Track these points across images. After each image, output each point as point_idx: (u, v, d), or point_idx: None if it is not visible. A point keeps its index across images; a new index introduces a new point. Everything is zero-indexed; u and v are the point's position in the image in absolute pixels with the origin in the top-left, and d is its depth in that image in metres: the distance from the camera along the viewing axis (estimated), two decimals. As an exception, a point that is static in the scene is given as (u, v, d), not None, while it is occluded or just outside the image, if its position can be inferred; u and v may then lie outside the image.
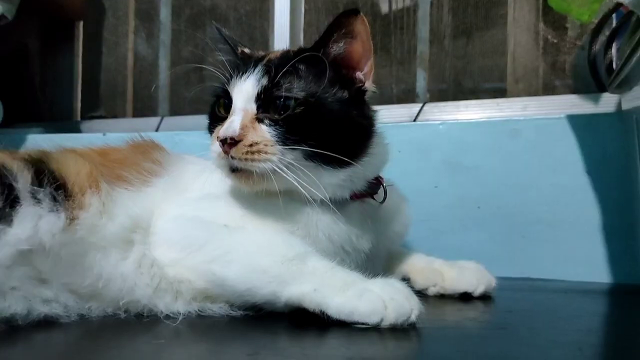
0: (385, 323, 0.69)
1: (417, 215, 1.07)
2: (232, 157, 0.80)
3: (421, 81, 1.65)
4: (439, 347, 0.67)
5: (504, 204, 1.32)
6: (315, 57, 0.85)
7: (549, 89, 1.52)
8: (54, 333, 0.72)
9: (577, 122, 1.29)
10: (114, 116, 1.96)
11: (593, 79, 1.43)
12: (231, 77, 0.87)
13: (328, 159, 0.83)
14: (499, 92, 1.55)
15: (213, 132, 0.88)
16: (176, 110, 1.88)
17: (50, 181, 0.78)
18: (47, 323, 0.74)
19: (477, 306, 0.93)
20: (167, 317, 0.80)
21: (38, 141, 1.64)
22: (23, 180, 0.75)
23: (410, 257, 1.06)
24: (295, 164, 0.81)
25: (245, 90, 0.84)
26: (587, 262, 1.25)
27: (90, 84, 2.00)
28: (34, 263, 0.74)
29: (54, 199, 0.76)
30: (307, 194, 0.83)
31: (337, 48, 0.86)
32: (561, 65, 1.51)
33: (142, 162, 0.92)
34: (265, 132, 0.81)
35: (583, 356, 0.62)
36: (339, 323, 0.71)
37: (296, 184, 0.81)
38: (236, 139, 0.80)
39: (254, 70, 0.85)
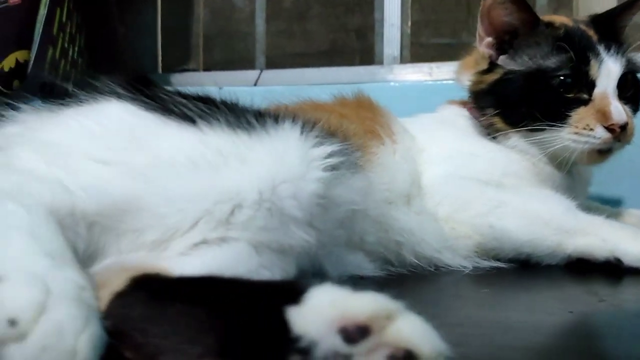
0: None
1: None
2: (619, 140, 0.84)
3: None
4: None
5: None
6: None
7: None
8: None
9: None
10: (207, 69, 1.90)
11: None
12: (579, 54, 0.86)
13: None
14: None
15: (544, 113, 0.88)
16: (274, 63, 1.83)
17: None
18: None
19: None
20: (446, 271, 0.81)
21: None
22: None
23: (624, 211, 1.09)
24: None
25: (613, 72, 0.86)
26: None
27: (180, 36, 1.92)
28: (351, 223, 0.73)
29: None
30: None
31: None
32: None
33: (376, 118, 0.91)
34: (628, 112, 0.86)
35: None
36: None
37: None
38: (627, 122, 0.84)
39: (608, 49, 0.86)
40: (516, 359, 0.47)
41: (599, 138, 0.84)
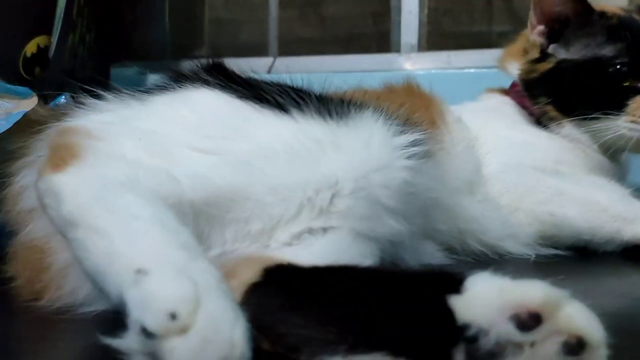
0: None
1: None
2: None
3: None
4: None
5: None
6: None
7: None
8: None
9: None
10: (218, 56, 1.86)
11: None
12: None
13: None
14: None
15: (600, 102, 0.89)
16: (287, 50, 1.81)
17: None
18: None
19: None
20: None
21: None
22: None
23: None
24: None
25: None
26: None
27: (190, 22, 1.89)
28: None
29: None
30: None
31: None
32: None
33: (430, 107, 0.91)
34: None
35: None
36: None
37: None
38: None
39: None
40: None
41: None
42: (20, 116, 0.67)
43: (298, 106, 0.60)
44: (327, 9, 1.82)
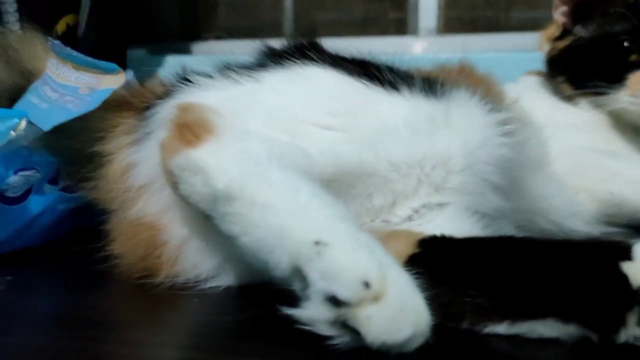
0: None
1: None
2: None
3: None
4: None
5: None
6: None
7: None
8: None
9: None
10: (231, 37, 1.85)
11: None
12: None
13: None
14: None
15: (603, 77, 0.91)
16: (303, 33, 1.81)
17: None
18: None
19: None
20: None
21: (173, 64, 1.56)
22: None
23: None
24: None
25: None
26: None
27: (199, 2, 1.86)
28: None
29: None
30: None
31: None
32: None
33: (491, 88, 0.93)
34: None
35: None
36: None
37: None
38: None
39: None
40: None
41: None
42: (109, 94, 0.66)
43: (406, 84, 0.61)
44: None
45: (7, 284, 0.59)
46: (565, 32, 0.98)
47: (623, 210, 0.86)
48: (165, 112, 0.58)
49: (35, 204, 0.68)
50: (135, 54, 1.74)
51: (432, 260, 0.46)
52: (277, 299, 0.41)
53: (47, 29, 1.18)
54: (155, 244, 0.58)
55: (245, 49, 1.62)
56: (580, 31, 0.96)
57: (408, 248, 0.47)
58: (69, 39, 1.24)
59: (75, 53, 0.71)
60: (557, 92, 0.97)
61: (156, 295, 0.56)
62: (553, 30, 1.02)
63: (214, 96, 0.58)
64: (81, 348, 0.46)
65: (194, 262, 0.57)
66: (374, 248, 0.41)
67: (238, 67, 0.63)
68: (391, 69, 0.64)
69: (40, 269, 0.67)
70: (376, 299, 0.38)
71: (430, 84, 0.64)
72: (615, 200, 0.85)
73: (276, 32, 1.83)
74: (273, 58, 0.66)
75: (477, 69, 0.97)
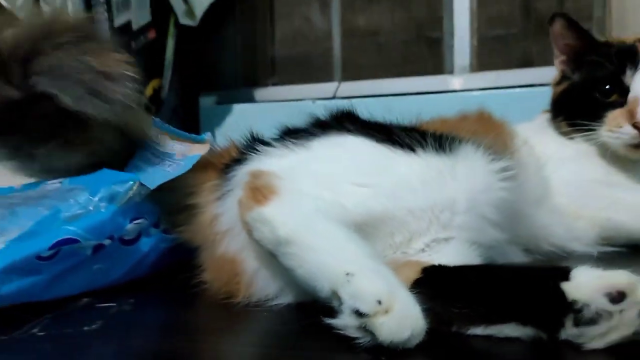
0: None
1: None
2: None
3: None
4: None
5: None
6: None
7: None
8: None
9: None
10: (289, 83, 2.09)
11: None
12: (617, 66, 1.05)
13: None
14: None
15: (588, 116, 1.08)
16: (350, 76, 2.02)
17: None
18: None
19: None
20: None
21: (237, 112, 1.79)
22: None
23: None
24: None
25: None
26: None
27: (261, 52, 2.12)
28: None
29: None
30: None
31: None
32: None
33: (503, 133, 1.10)
34: None
35: None
36: None
37: None
38: None
39: None
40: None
41: (627, 134, 1.03)
42: (198, 159, 0.89)
43: (420, 145, 0.80)
44: (384, 36, 2.03)
45: (130, 304, 0.81)
46: (563, 78, 1.15)
47: (620, 233, 1.01)
48: (241, 175, 0.80)
49: (145, 244, 0.90)
50: (206, 101, 2.00)
51: (430, 282, 0.65)
52: (322, 313, 0.61)
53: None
54: (235, 273, 0.79)
55: (297, 93, 1.88)
56: (574, 77, 1.13)
57: (414, 274, 0.66)
58: (155, 100, 1.49)
59: (171, 127, 0.94)
60: (559, 130, 1.14)
61: (236, 311, 0.76)
62: (556, 76, 1.19)
63: (276, 163, 0.79)
64: (184, 347, 0.67)
65: (263, 286, 0.77)
66: (387, 276, 0.61)
67: (293, 136, 0.83)
68: (409, 132, 0.83)
69: (150, 294, 0.88)
70: (386, 311, 0.57)
71: (440, 142, 0.82)
72: (612, 225, 1.01)
73: (327, 77, 2.05)
74: (319, 127, 0.86)
75: (493, 115, 1.15)
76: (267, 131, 0.91)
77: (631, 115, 1.03)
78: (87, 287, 0.83)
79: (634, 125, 1.02)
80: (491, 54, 1.88)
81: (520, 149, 1.08)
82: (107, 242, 0.83)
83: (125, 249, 0.87)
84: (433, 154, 0.79)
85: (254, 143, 0.86)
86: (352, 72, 2.04)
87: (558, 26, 1.14)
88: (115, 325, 0.73)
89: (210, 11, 1.77)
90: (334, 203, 0.72)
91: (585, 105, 1.10)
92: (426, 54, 1.96)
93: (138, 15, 1.39)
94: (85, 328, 0.69)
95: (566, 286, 0.58)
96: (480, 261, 0.79)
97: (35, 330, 0.68)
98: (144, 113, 0.98)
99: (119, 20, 1.30)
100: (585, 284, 0.57)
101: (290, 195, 0.72)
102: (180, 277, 0.84)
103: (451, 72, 1.89)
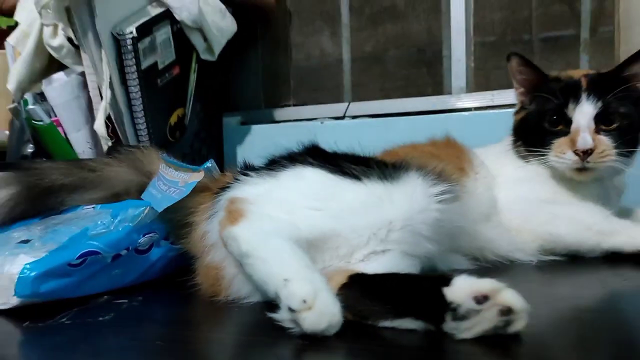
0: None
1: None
2: (587, 162, 1.16)
3: None
4: None
5: None
6: (623, 79, 1.19)
7: None
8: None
9: None
10: (304, 104, 2.31)
11: None
12: (562, 99, 1.21)
13: (632, 154, 1.20)
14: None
15: (540, 142, 1.24)
16: (358, 97, 2.23)
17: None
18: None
19: None
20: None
21: (261, 132, 2.01)
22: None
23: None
24: (618, 159, 1.18)
25: (586, 112, 1.18)
26: None
27: (279, 76, 2.35)
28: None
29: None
30: (615, 178, 1.21)
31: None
32: None
33: (462, 157, 1.27)
34: (605, 141, 1.17)
35: None
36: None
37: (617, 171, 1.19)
38: (592, 148, 1.15)
39: (589, 95, 1.19)
40: (564, 311, 0.83)
41: (570, 160, 1.18)
42: (194, 185, 1.10)
43: (365, 174, 0.97)
44: (389, 62, 2.21)
45: (139, 301, 1.03)
46: (521, 108, 1.32)
47: (558, 245, 1.17)
48: (224, 201, 1.00)
49: (155, 254, 1.12)
50: (229, 121, 2.23)
51: (353, 286, 0.84)
52: (270, 308, 0.81)
53: (165, 121, 1.68)
54: (218, 278, 0.97)
55: (312, 113, 2.10)
56: (530, 107, 1.29)
57: (343, 280, 0.85)
58: (180, 126, 1.73)
59: (175, 160, 1.16)
60: (518, 153, 1.31)
61: (220, 306, 0.96)
62: (517, 106, 1.36)
63: (249, 191, 0.99)
64: (181, 334, 0.85)
65: (239, 288, 0.95)
66: (315, 281, 0.79)
67: (269, 167, 1.04)
68: (359, 164, 1.01)
69: (155, 292, 1.06)
70: (309, 308, 0.74)
71: (384, 172, 1.00)
72: (552, 238, 1.17)
73: (338, 98, 2.25)
74: (288, 160, 1.05)
75: (458, 142, 1.33)
76: (287, 146, 1.10)
77: (573, 143, 1.18)
78: (107, 287, 1.04)
79: (575, 152, 1.17)
80: (487, 75, 2.02)
81: (478, 170, 1.25)
82: (124, 252, 1.05)
83: (139, 257, 1.09)
84: (376, 182, 0.97)
85: (243, 171, 1.06)
86: (361, 94, 2.23)
87: (514, 63, 1.30)
88: (126, 317, 0.90)
89: (235, 42, 1.99)
90: (290, 224, 0.91)
91: (537, 133, 1.26)
92: (427, 76, 2.13)
93: (163, 55, 1.62)
94: (101, 318, 0.91)
95: (446, 290, 0.75)
96: (413, 269, 0.96)
97: (64, 320, 0.87)
98: (154, 150, 1.22)
99: (145, 63, 1.53)
100: (460, 288, 0.74)
101: (255, 218, 0.92)
102: (180, 280, 1.01)
103: (449, 92, 2.05)
